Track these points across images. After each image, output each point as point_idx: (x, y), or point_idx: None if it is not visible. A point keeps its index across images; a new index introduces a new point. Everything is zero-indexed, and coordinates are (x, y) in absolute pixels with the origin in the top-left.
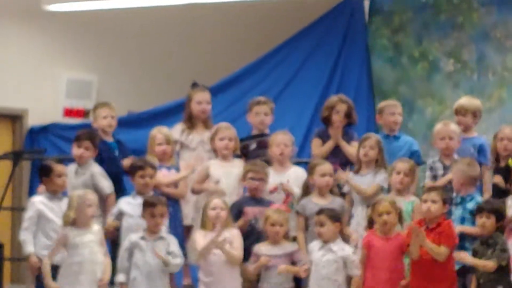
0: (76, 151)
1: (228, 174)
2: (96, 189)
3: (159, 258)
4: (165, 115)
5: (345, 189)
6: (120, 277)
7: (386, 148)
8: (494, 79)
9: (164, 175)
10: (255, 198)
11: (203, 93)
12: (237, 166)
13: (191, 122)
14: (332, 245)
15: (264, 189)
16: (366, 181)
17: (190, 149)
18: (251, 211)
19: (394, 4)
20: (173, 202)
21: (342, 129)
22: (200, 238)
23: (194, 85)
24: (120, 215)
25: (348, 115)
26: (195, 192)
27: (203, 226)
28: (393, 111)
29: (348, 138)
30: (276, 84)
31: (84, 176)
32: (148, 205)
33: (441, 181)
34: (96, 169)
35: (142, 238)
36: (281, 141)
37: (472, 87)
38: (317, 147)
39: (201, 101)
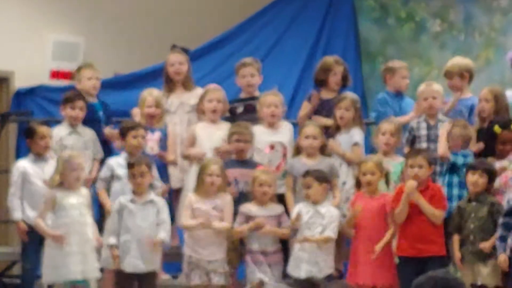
0: (70, 112)
1: (211, 136)
2: (94, 149)
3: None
4: (151, 77)
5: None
6: (111, 240)
7: (395, 107)
8: (481, 40)
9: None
10: (240, 160)
11: (175, 54)
12: (222, 128)
13: (169, 86)
14: (320, 207)
15: (249, 150)
16: (342, 140)
17: (171, 112)
18: (233, 173)
19: None
20: (160, 166)
21: (337, 91)
22: (191, 204)
23: (173, 47)
24: (111, 178)
25: (344, 77)
26: (185, 157)
27: (198, 190)
28: (405, 74)
29: None
30: (262, 46)
31: (84, 137)
32: (128, 166)
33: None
34: (93, 132)
35: (132, 200)
36: (272, 102)
37: (458, 48)
38: (303, 110)
39: (173, 62)
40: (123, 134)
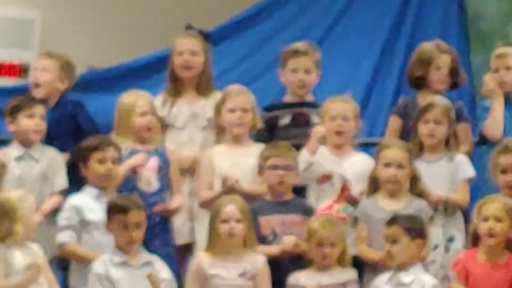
0: (26, 122)
1: (237, 166)
2: (54, 181)
3: None
4: (144, 73)
5: None
6: None
7: (508, 119)
8: None
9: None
10: (279, 202)
11: (186, 39)
12: (253, 154)
13: (175, 86)
14: (404, 275)
15: (292, 183)
16: (437, 170)
17: (176, 128)
18: (268, 222)
19: None
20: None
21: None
22: (201, 270)
23: (188, 29)
24: (82, 227)
25: (453, 71)
26: (201, 205)
27: (211, 247)
28: (506, 63)
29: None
30: (315, 26)
31: (39, 163)
32: (116, 210)
33: None
34: (56, 155)
35: (121, 264)
36: (339, 112)
37: None
38: (392, 128)
39: (183, 50)
40: (83, 158)
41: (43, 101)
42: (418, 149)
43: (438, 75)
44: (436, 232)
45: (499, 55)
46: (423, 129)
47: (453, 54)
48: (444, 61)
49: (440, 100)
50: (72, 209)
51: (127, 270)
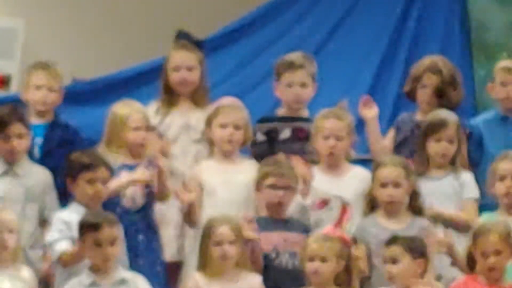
0: (1, 145)
1: (229, 184)
2: (42, 203)
3: None
4: (132, 85)
5: None
6: None
7: (502, 134)
8: None
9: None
10: (277, 219)
11: (182, 53)
12: (245, 170)
13: (170, 98)
14: None
15: (290, 203)
16: (444, 188)
17: (167, 139)
18: (269, 238)
19: None
20: (146, 225)
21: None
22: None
23: (180, 37)
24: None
25: (438, 92)
26: (190, 222)
27: (204, 268)
28: (506, 79)
29: None
30: (313, 34)
31: (24, 180)
32: (87, 228)
33: None
34: (46, 174)
35: (90, 286)
36: (332, 131)
37: None
38: (388, 139)
39: (179, 66)
40: (72, 175)
41: (24, 116)
42: (425, 166)
43: (423, 94)
44: None
45: (509, 69)
46: (434, 147)
47: (446, 75)
48: (431, 81)
49: (452, 117)
50: (63, 224)
51: None
